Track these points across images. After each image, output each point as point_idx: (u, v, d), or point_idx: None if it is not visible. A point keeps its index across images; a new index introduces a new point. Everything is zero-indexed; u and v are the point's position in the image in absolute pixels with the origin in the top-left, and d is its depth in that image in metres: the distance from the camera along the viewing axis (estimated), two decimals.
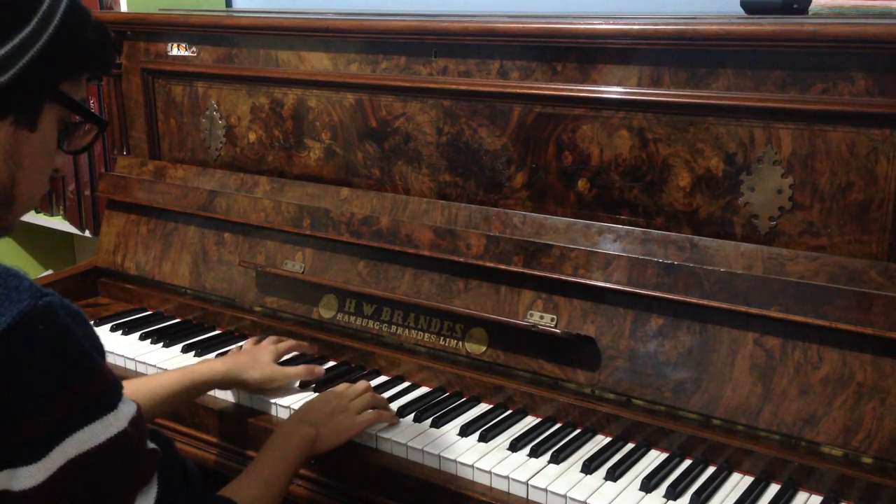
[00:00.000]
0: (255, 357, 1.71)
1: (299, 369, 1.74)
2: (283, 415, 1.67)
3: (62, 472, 0.93)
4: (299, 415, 1.53)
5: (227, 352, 1.89)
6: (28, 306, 0.91)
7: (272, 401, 1.69)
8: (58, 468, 0.93)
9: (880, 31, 1.35)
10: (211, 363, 1.69)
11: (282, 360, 1.79)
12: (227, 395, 1.75)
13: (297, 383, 1.75)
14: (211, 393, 1.74)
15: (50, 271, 3.01)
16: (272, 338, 1.83)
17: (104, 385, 0.98)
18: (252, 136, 2.12)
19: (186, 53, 2.17)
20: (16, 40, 0.98)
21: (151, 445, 1.06)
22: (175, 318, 2.12)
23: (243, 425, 1.69)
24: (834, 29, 1.38)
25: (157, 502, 1.03)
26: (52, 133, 1.07)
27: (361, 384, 1.64)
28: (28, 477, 0.92)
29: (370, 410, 1.56)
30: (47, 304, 0.92)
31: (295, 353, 1.84)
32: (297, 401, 1.67)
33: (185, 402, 1.66)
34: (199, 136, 2.22)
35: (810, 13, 1.75)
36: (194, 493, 1.11)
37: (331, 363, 1.85)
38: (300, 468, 1.46)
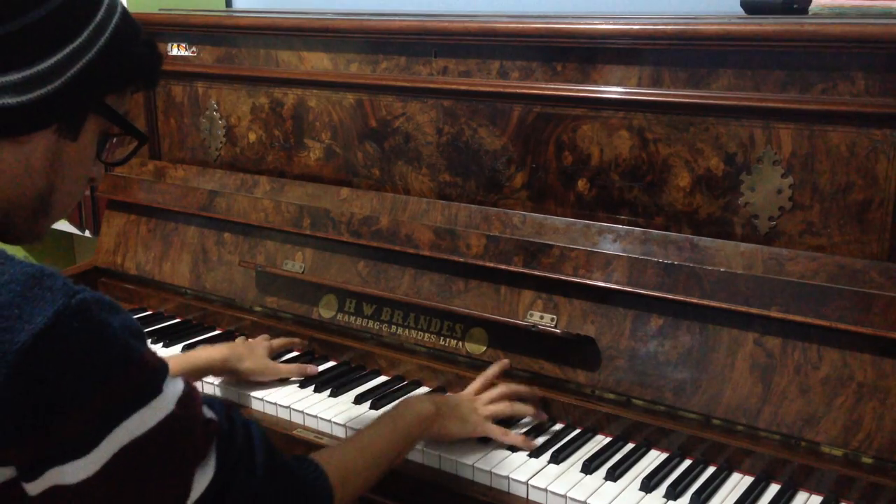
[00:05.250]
0: (251, 349, 1.78)
1: (291, 367, 1.79)
2: (270, 411, 1.69)
3: (115, 461, 0.94)
4: (426, 395, 1.53)
5: None
6: (62, 305, 0.91)
7: (261, 396, 1.71)
8: (111, 456, 0.94)
9: (880, 31, 1.35)
10: (210, 350, 1.75)
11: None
12: (214, 391, 1.75)
13: (298, 382, 1.76)
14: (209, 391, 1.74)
15: None
16: (265, 336, 1.89)
17: (146, 372, 0.98)
18: (252, 136, 2.12)
19: (186, 53, 2.17)
20: (66, 51, 1.00)
21: (209, 415, 1.05)
22: (175, 318, 2.12)
23: None
24: (834, 29, 1.38)
25: (215, 476, 1.02)
26: (92, 143, 1.08)
27: (503, 388, 1.58)
28: (80, 470, 0.93)
29: (496, 427, 1.51)
30: (81, 300, 0.93)
31: (287, 348, 1.88)
32: (286, 395, 1.71)
33: None
34: (199, 136, 2.22)
35: (810, 13, 1.75)
36: (256, 459, 1.09)
37: (331, 363, 1.85)
38: (413, 443, 1.41)
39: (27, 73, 0.98)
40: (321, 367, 1.82)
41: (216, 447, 1.04)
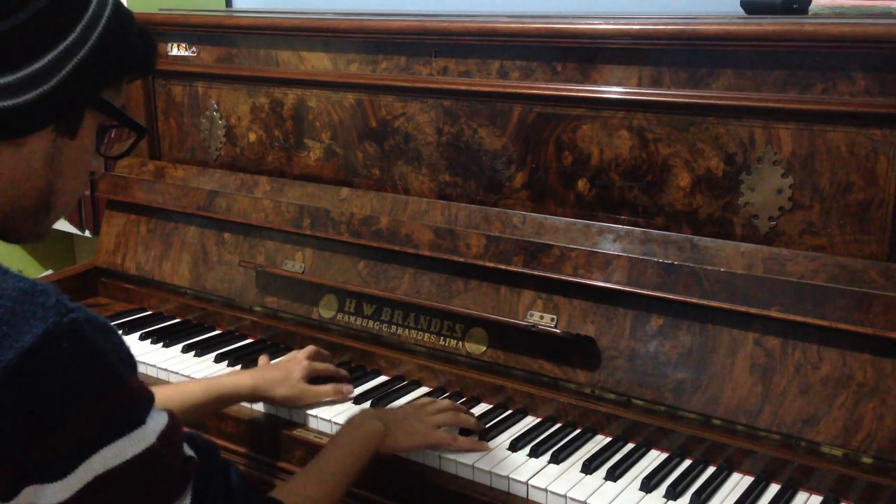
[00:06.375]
0: (286, 373, 1.66)
1: (328, 389, 1.68)
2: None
3: (90, 489, 0.92)
4: (371, 411, 1.51)
5: (226, 352, 1.90)
6: (53, 324, 0.89)
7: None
8: (85, 484, 0.92)
9: (880, 31, 1.35)
10: (239, 376, 1.64)
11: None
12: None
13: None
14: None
15: (50, 271, 3.01)
16: (310, 350, 1.75)
17: (131, 401, 0.96)
18: (252, 136, 2.12)
19: (186, 53, 2.17)
20: (59, 48, 0.98)
21: (189, 453, 1.04)
22: (175, 318, 2.12)
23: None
24: (834, 29, 1.38)
25: None
26: (91, 139, 1.06)
27: (446, 401, 1.58)
28: (55, 493, 0.91)
29: (447, 434, 1.50)
30: (72, 320, 0.91)
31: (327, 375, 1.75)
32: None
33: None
34: (199, 136, 2.22)
35: (810, 13, 1.75)
36: (234, 500, 1.07)
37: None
38: (365, 464, 1.38)
39: (21, 74, 0.96)
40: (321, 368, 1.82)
41: (193, 487, 1.02)
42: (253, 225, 2.02)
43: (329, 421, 1.61)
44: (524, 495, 1.41)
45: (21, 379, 0.88)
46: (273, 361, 1.77)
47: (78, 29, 0.99)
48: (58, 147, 1.02)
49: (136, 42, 1.07)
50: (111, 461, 0.93)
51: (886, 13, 1.65)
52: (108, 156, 1.12)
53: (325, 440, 1.58)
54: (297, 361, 1.70)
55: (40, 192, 1.04)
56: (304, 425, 1.64)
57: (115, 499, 0.94)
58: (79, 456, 0.91)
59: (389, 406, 1.61)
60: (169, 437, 0.99)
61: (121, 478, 0.94)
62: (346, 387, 1.70)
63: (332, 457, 1.34)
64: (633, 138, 1.60)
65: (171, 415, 1.02)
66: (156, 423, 0.98)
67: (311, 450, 1.56)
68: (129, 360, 0.99)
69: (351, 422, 1.44)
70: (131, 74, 1.09)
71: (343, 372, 1.76)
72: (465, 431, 1.53)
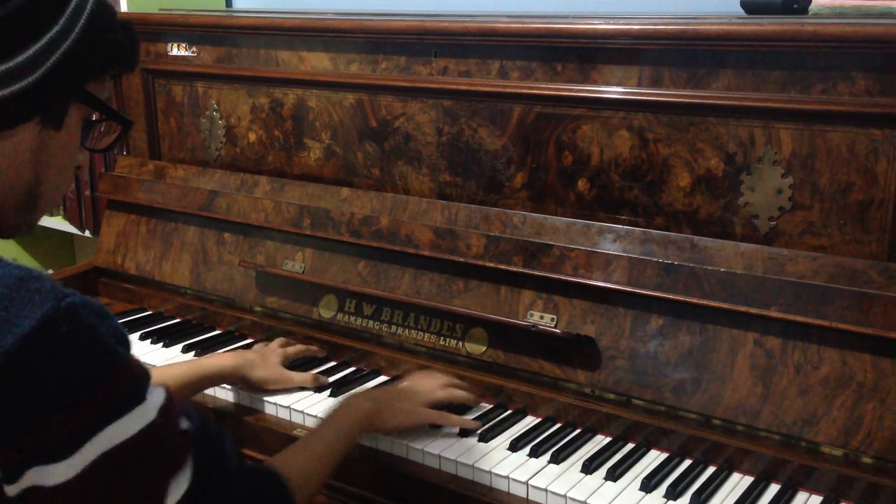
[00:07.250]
0: (264, 357, 1.73)
1: (306, 376, 1.74)
2: (283, 415, 1.67)
3: (95, 466, 0.94)
4: (363, 391, 1.55)
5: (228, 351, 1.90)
6: (51, 308, 0.91)
7: (271, 400, 1.69)
8: (90, 462, 0.93)
9: (880, 31, 1.35)
10: (221, 357, 1.71)
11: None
12: (227, 395, 1.75)
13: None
14: (210, 392, 1.74)
15: (50, 271, 3.01)
16: (281, 340, 1.85)
17: (131, 379, 0.98)
18: (252, 136, 2.12)
19: (186, 53, 2.17)
20: (43, 40, 0.99)
21: (185, 425, 1.05)
22: (175, 318, 2.12)
23: (240, 424, 1.68)
24: (834, 29, 1.38)
25: (190, 485, 1.02)
26: (76, 132, 1.08)
27: (438, 380, 1.61)
28: (60, 473, 0.92)
29: (434, 411, 1.54)
30: (69, 304, 0.93)
31: (303, 356, 1.84)
32: (296, 401, 1.68)
33: (192, 395, 1.66)
34: (199, 136, 2.22)
35: (810, 13, 1.75)
36: (229, 469, 1.09)
37: (331, 363, 1.85)
38: (354, 442, 1.44)
39: (6, 66, 0.97)
40: (321, 368, 1.82)
41: (192, 457, 1.04)
42: (253, 225, 2.03)
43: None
44: (524, 495, 1.41)
45: (22, 363, 0.89)
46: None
47: (61, 21, 1.00)
48: (44, 139, 1.03)
49: (119, 36, 1.08)
50: (116, 438, 0.95)
51: (886, 13, 1.65)
52: (95, 149, 1.14)
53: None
54: (272, 348, 1.79)
55: (28, 185, 1.05)
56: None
57: (121, 473, 0.96)
58: (83, 436, 0.93)
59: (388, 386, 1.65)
60: (167, 411, 1.01)
61: (125, 453, 0.95)
62: (322, 378, 1.76)
63: (326, 435, 1.38)
64: (633, 138, 1.60)
65: (167, 389, 1.04)
66: (155, 398, 1.00)
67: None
68: (125, 340, 1.01)
69: (344, 402, 1.48)
70: (115, 68, 1.10)
71: (314, 348, 1.85)
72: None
